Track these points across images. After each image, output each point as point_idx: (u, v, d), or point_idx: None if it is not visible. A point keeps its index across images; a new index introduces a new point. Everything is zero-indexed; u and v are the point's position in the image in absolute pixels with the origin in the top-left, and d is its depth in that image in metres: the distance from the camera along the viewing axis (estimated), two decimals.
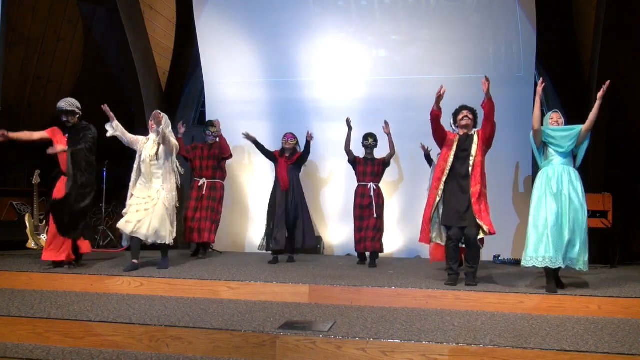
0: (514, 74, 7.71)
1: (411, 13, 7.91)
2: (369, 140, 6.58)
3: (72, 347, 3.44)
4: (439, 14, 7.83)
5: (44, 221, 7.00)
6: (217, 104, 8.48)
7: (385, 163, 6.60)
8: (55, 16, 7.53)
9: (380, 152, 6.67)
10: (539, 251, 4.46)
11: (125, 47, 7.72)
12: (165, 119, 5.46)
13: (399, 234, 7.70)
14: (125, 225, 5.22)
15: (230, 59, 8.40)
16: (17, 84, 7.62)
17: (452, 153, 4.94)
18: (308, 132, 6.59)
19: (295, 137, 6.67)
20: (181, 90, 9.02)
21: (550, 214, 4.57)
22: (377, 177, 6.56)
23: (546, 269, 4.46)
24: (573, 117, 7.73)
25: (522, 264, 4.56)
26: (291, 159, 6.63)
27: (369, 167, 6.55)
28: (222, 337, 3.37)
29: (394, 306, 4.22)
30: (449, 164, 4.92)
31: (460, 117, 5.06)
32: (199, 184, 6.83)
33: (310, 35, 8.16)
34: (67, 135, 5.44)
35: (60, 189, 5.35)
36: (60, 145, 5.41)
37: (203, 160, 6.89)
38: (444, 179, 4.91)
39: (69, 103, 5.42)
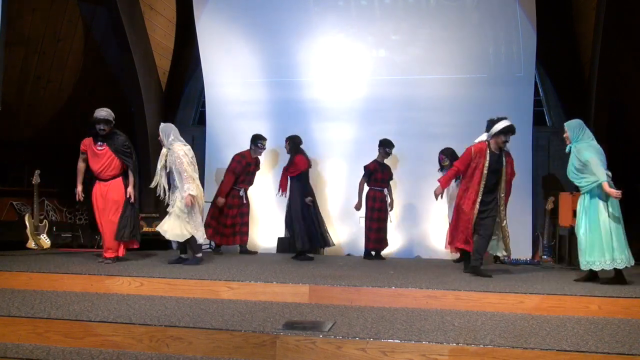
0: (514, 74, 7.70)
1: (411, 13, 7.90)
2: (392, 149, 6.99)
3: (72, 347, 3.44)
4: (439, 13, 7.82)
5: (44, 221, 7.00)
6: (217, 104, 8.48)
7: (391, 177, 7.11)
8: (55, 16, 7.52)
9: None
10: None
11: (125, 47, 7.72)
12: (164, 133, 5.70)
13: (399, 235, 7.70)
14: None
15: (230, 59, 8.39)
16: (17, 84, 7.62)
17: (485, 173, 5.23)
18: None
19: (286, 140, 6.89)
20: (181, 90, 9.02)
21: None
22: (387, 183, 7.02)
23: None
24: (572, 117, 7.72)
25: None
26: (287, 168, 6.84)
27: (385, 174, 7.01)
28: (222, 337, 3.36)
29: (394, 306, 4.21)
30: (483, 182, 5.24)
31: (504, 139, 5.22)
32: (240, 193, 7.14)
33: (310, 35, 8.16)
34: (102, 143, 5.61)
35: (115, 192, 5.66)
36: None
37: (248, 175, 7.21)
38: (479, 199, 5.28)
39: (108, 112, 5.61)
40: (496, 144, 5.24)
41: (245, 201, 7.17)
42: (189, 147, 5.78)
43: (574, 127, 5.03)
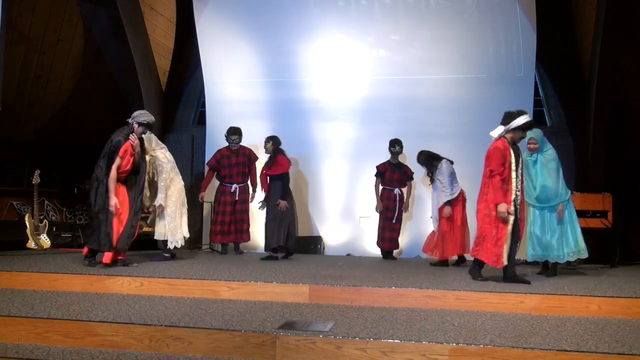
0: (514, 74, 7.70)
1: (411, 13, 7.91)
2: (396, 148, 6.98)
3: (72, 347, 3.43)
4: (438, 14, 7.83)
5: (44, 221, 7.00)
6: (217, 104, 8.48)
7: (409, 177, 7.15)
8: (55, 16, 7.52)
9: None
10: None
11: (125, 47, 7.72)
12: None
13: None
14: None
15: (230, 58, 8.40)
16: (17, 84, 7.61)
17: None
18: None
19: (268, 140, 6.77)
20: (181, 90, 9.02)
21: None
22: (402, 183, 7.09)
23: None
24: (572, 117, 7.76)
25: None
26: (270, 167, 6.74)
27: (395, 174, 7.05)
28: (222, 337, 3.36)
29: (394, 306, 4.21)
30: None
31: (521, 135, 4.99)
32: (231, 190, 7.04)
33: (310, 35, 8.16)
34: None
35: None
36: None
37: (232, 168, 7.08)
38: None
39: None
40: (512, 139, 4.91)
41: (237, 198, 7.07)
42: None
43: (541, 138, 5.23)
